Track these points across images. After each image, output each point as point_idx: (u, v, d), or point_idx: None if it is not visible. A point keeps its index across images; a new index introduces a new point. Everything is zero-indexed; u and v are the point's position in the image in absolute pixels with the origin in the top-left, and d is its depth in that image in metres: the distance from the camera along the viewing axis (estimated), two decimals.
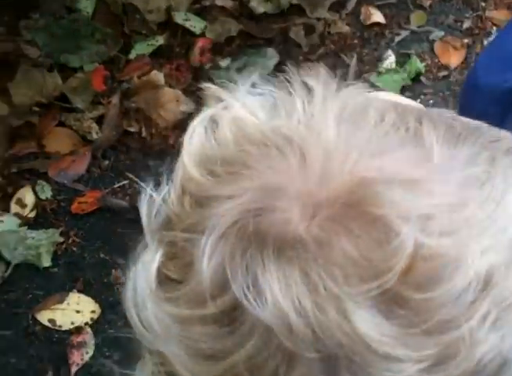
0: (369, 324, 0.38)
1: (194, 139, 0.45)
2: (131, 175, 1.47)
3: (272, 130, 0.43)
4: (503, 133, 0.46)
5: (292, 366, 0.39)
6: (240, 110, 0.45)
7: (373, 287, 0.38)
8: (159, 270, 0.42)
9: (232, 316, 0.39)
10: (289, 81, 0.45)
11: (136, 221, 1.30)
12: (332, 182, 0.40)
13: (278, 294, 0.38)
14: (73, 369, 1.21)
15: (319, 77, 0.45)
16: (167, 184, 0.46)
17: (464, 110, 0.76)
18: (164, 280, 0.42)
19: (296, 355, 0.38)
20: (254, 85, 0.47)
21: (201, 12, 1.75)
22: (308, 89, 0.45)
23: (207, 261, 0.39)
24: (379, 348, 0.38)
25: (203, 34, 1.71)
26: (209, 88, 0.47)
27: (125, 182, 1.47)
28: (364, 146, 0.41)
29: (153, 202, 0.46)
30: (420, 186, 0.40)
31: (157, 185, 0.47)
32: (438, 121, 0.44)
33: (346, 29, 1.78)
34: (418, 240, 0.38)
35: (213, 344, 0.40)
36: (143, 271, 0.43)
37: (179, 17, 1.70)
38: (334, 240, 0.39)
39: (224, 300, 0.39)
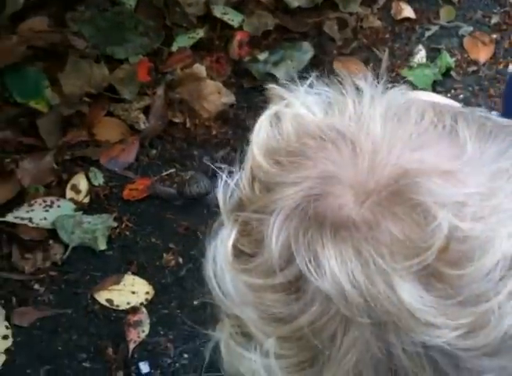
0: (412, 295, 0.44)
1: (261, 133, 0.52)
2: (177, 164, 1.57)
3: (327, 126, 0.50)
4: None
5: (348, 330, 0.46)
6: (300, 107, 0.52)
7: (415, 263, 0.44)
8: (234, 245, 0.50)
9: (296, 286, 0.47)
10: (341, 83, 0.53)
11: (184, 207, 1.43)
12: (379, 172, 0.47)
13: (335, 268, 0.45)
14: (131, 346, 1.32)
15: (367, 80, 0.52)
16: (238, 171, 0.54)
17: (507, 107, 0.83)
18: (238, 253, 0.50)
19: (351, 320, 0.45)
20: (311, 85, 0.55)
21: (238, 6, 1.83)
22: (358, 90, 0.52)
23: (275, 238, 0.47)
24: (421, 316, 0.44)
25: (240, 28, 1.79)
26: (273, 88, 0.55)
27: (172, 170, 1.57)
28: (406, 142, 0.48)
29: (228, 187, 0.53)
30: (455, 177, 0.46)
31: (230, 172, 0.56)
32: (471, 119, 0.50)
33: (378, 23, 1.87)
34: (452, 224, 0.44)
35: (281, 309, 0.47)
36: (221, 246, 0.50)
37: (218, 11, 1.79)
38: (381, 222, 0.45)
39: (290, 271, 0.47)
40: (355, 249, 0.45)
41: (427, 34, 1.87)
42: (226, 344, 0.51)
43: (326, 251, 0.46)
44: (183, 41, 1.76)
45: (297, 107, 0.53)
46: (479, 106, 1.74)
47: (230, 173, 0.55)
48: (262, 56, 1.73)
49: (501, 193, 0.46)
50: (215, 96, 1.65)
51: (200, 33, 1.77)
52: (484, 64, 1.81)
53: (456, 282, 0.45)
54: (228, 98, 1.66)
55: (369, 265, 0.45)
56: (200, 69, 1.65)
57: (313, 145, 0.50)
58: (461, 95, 1.75)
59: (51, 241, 1.43)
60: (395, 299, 0.44)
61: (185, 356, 1.32)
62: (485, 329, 0.45)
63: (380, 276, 0.45)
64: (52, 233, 1.44)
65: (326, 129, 0.50)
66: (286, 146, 0.51)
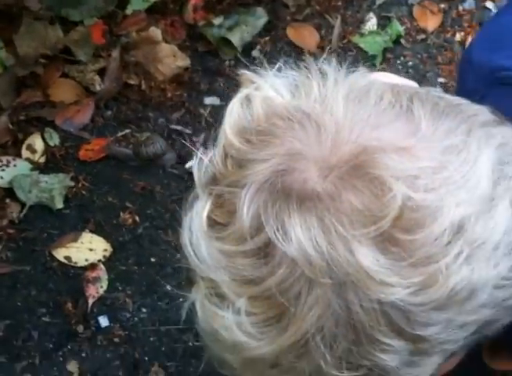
0: (369, 258, 0.50)
1: (233, 114, 0.58)
2: (132, 125, 1.62)
3: (294, 107, 0.56)
4: (480, 108, 0.59)
5: (311, 289, 0.52)
6: (269, 90, 0.58)
7: (372, 230, 0.50)
8: (208, 216, 0.56)
9: (265, 251, 0.53)
10: (307, 67, 0.58)
11: (139, 167, 1.50)
12: (341, 149, 0.53)
13: (300, 235, 0.51)
14: (90, 301, 1.37)
15: (331, 63, 0.59)
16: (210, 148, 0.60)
17: (460, 82, 0.89)
18: (212, 223, 0.56)
19: (314, 281, 0.51)
20: (279, 69, 0.62)
21: None
22: (322, 74, 0.58)
23: (246, 209, 0.53)
24: (376, 276, 0.50)
25: None
26: (244, 72, 0.62)
27: (127, 131, 1.61)
28: (366, 121, 0.54)
29: (202, 163, 0.59)
30: (410, 152, 0.52)
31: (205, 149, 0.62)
32: (425, 99, 0.56)
33: None
34: (406, 195, 0.50)
35: (252, 272, 0.53)
36: (196, 217, 0.56)
37: None
38: (342, 194, 0.51)
39: (259, 238, 0.53)
40: (319, 218, 0.51)
41: (378, 2, 1.94)
42: (201, 303, 0.56)
43: (293, 220, 0.51)
44: (138, 4, 1.79)
45: (266, 90, 0.58)
46: (427, 72, 1.82)
47: (204, 150, 0.61)
48: (217, 21, 1.78)
49: (451, 167, 0.53)
50: (170, 59, 1.70)
51: None
52: (432, 33, 1.89)
53: (409, 246, 0.51)
54: (184, 61, 1.71)
55: (330, 232, 0.51)
56: (155, 32, 1.69)
57: (281, 125, 0.56)
58: (410, 62, 1.83)
59: (7, 200, 1.47)
60: (354, 262, 0.50)
61: (144, 310, 1.38)
62: (434, 287, 0.51)
63: (341, 242, 0.51)
64: (9, 191, 1.48)
65: (293, 110, 0.56)
66: (256, 126, 0.56)
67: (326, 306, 0.52)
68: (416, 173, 0.52)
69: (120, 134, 1.61)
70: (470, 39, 1.88)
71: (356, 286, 0.51)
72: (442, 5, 1.95)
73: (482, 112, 0.59)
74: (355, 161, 0.52)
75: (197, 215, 0.57)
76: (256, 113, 0.58)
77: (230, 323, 0.54)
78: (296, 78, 0.60)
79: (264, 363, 0.55)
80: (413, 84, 0.66)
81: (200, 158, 0.60)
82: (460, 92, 0.86)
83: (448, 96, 0.59)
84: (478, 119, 0.57)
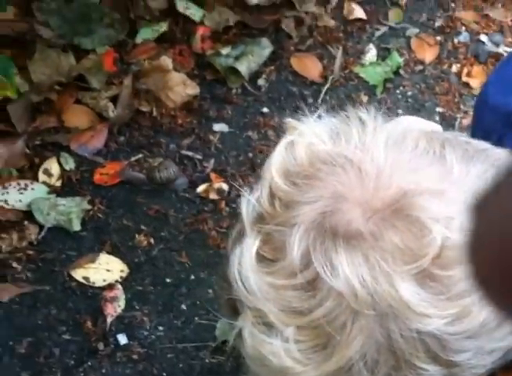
0: (409, 292, 0.57)
1: (278, 158, 0.67)
2: (145, 151, 1.71)
3: (336, 153, 0.63)
4: (502, 152, 0.66)
5: (356, 319, 0.58)
6: (312, 136, 0.65)
7: (413, 267, 0.57)
8: (257, 252, 0.62)
9: (313, 285, 0.59)
10: (346, 115, 0.68)
11: (153, 192, 1.60)
12: (382, 192, 0.60)
13: (347, 271, 0.58)
14: (109, 319, 1.45)
15: (370, 112, 0.66)
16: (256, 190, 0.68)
17: (477, 120, 0.99)
18: (261, 258, 0.62)
19: (359, 312, 0.58)
20: (319, 117, 0.70)
21: (199, 2, 1.98)
22: (362, 121, 0.66)
23: (297, 247, 0.60)
24: (416, 308, 0.57)
25: (202, 22, 1.94)
26: (289, 121, 0.70)
27: (140, 156, 1.70)
28: (404, 166, 0.61)
29: (250, 202, 0.66)
30: (444, 195, 0.59)
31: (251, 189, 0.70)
32: (455, 144, 0.63)
33: (331, 23, 2.05)
34: (444, 235, 0.57)
35: (300, 303, 0.60)
36: (246, 252, 0.63)
37: (180, 5, 1.94)
38: (384, 233, 0.58)
39: (308, 273, 0.59)
40: (364, 255, 0.58)
41: (377, 33, 2.06)
42: (250, 331, 0.62)
43: (340, 257, 0.58)
44: (147, 33, 1.90)
45: (309, 136, 0.66)
46: (426, 102, 1.94)
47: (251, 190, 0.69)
48: (225, 51, 1.89)
49: None
50: (180, 87, 1.80)
51: (163, 26, 1.91)
52: (429, 64, 2.02)
53: (446, 281, 0.57)
54: (193, 89, 1.81)
55: (375, 268, 0.58)
56: (166, 61, 1.80)
57: (324, 169, 0.62)
58: (409, 92, 1.94)
59: (26, 222, 1.55)
60: (396, 296, 0.57)
61: (160, 328, 1.46)
62: (468, 318, 0.57)
63: (384, 278, 0.57)
64: (27, 214, 1.55)
65: (335, 156, 0.63)
66: (300, 170, 0.64)
67: (370, 335, 0.58)
68: (451, 214, 0.58)
69: (133, 159, 1.70)
70: (465, 71, 2.01)
71: (397, 317, 0.58)
72: (438, 38, 2.08)
73: (505, 156, 0.66)
74: (395, 204, 0.59)
75: (247, 250, 0.63)
76: (300, 158, 0.65)
77: (278, 350, 0.60)
78: (336, 125, 0.69)
79: None
80: (439, 127, 0.75)
81: (248, 199, 0.67)
82: (477, 129, 0.96)
83: (474, 141, 0.67)
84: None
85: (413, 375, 0.60)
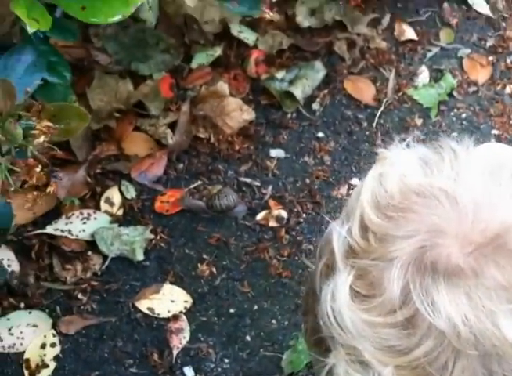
0: None
1: (369, 189, 0.64)
2: (204, 178, 1.69)
3: (429, 184, 0.61)
4: None
5: (458, 359, 0.57)
6: (403, 167, 0.64)
7: None
8: (350, 287, 0.60)
9: (413, 323, 0.58)
10: (440, 145, 0.65)
11: (213, 220, 1.57)
12: (482, 226, 0.58)
13: (449, 309, 0.56)
14: (175, 352, 1.43)
15: (462, 142, 0.65)
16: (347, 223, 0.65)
17: None
18: (354, 294, 0.60)
19: (461, 352, 0.57)
20: (408, 145, 0.68)
21: (252, 25, 1.95)
22: (453, 150, 0.65)
23: (396, 283, 0.58)
24: None
25: (255, 46, 1.92)
26: (381, 152, 0.68)
27: (199, 183, 1.68)
28: (503, 198, 0.59)
29: (341, 235, 0.64)
30: None
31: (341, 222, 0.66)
32: None
33: (383, 44, 2.02)
34: None
35: (398, 342, 0.58)
36: (340, 287, 0.61)
37: (234, 29, 1.91)
38: (485, 270, 0.56)
39: (407, 310, 0.57)
40: (466, 293, 0.56)
41: (429, 55, 2.02)
42: (345, 370, 0.61)
43: (441, 295, 0.56)
44: (201, 58, 1.88)
45: (399, 167, 0.64)
46: (481, 125, 1.90)
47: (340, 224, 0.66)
48: (279, 75, 1.86)
49: None
50: (237, 113, 1.77)
51: (218, 50, 1.89)
52: (483, 85, 1.97)
53: None
54: (250, 115, 1.78)
55: (477, 307, 0.56)
56: (223, 87, 1.77)
57: (418, 201, 0.60)
58: (463, 115, 1.91)
59: (89, 252, 1.53)
60: (500, 335, 0.56)
61: (226, 360, 1.44)
62: None
63: (487, 316, 0.56)
64: (91, 244, 1.54)
65: (428, 187, 0.61)
66: (392, 202, 0.62)
67: (471, 375, 0.57)
68: None
69: (192, 186, 1.67)
70: None
71: (501, 357, 0.56)
72: (490, 58, 2.04)
73: None
74: (496, 239, 0.57)
75: (341, 285, 0.61)
76: (390, 189, 0.63)
77: None
78: (427, 155, 0.66)
79: None
80: None
81: (338, 231, 0.65)
82: None
83: None
84: None
85: None
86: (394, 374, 0.58)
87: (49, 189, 1.26)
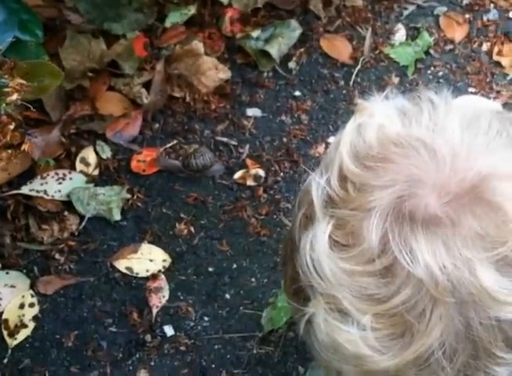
0: (490, 280, 0.56)
1: (348, 140, 0.65)
2: (180, 137, 1.68)
3: (407, 134, 0.62)
4: None
5: (435, 307, 0.57)
6: (382, 118, 0.65)
7: (494, 254, 0.56)
8: (329, 236, 0.61)
9: (391, 271, 0.58)
10: (418, 96, 0.66)
11: (189, 179, 1.57)
12: (459, 175, 0.58)
13: (427, 258, 0.57)
14: (154, 310, 1.43)
15: (441, 94, 0.66)
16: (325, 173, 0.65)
17: None
18: (333, 243, 0.61)
19: (438, 299, 0.57)
20: (387, 97, 0.68)
21: None
22: (432, 102, 0.65)
23: (375, 232, 0.58)
24: (497, 296, 0.56)
25: (229, 5, 1.90)
26: (359, 102, 0.68)
27: (175, 142, 1.67)
28: (480, 148, 0.60)
29: (319, 186, 0.64)
30: None
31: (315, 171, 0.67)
32: None
33: (359, 2, 2.01)
34: None
35: (376, 290, 0.59)
36: (319, 237, 0.61)
37: None
38: (463, 219, 0.57)
39: (386, 259, 0.58)
40: (444, 242, 0.57)
41: (405, 13, 2.02)
42: (323, 318, 0.61)
43: (419, 244, 0.57)
44: (175, 17, 1.86)
45: (379, 118, 0.64)
46: (457, 82, 1.90)
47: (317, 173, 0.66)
48: (255, 33, 1.84)
49: None
50: (212, 72, 1.76)
51: (192, 9, 1.87)
52: (459, 43, 1.97)
53: None
54: (225, 73, 1.77)
55: (455, 255, 0.57)
56: (198, 45, 1.76)
57: (397, 151, 0.61)
58: (440, 73, 1.91)
59: (66, 213, 1.52)
60: (477, 283, 0.56)
61: (206, 318, 1.44)
62: None
63: (465, 264, 0.56)
64: (67, 204, 1.52)
65: (406, 137, 0.62)
66: (371, 152, 0.62)
67: (449, 323, 0.57)
68: None
69: (168, 145, 1.66)
70: (496, 49, 1.97)
71: (477, 304, 0.57)
72: (467, 16, 2.04)
73: None
74: (473, 189, 0.58)
75: (320, 235, 0.62)
76: (369, 140, 0.63)
77: (355, 338, 0.59)
78: (405, 106, 0.66)
79: (385, 375, 0.62)
80: (497, 104, 0.73)
81: (318, 183, 0.65)
82: None
83: None
84: None
85: (492, 364, 0.59)
86: (372, 322, 0.59)
87: (24, 146, 1.24)
